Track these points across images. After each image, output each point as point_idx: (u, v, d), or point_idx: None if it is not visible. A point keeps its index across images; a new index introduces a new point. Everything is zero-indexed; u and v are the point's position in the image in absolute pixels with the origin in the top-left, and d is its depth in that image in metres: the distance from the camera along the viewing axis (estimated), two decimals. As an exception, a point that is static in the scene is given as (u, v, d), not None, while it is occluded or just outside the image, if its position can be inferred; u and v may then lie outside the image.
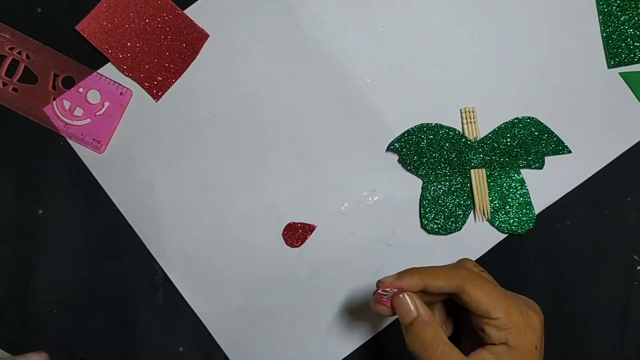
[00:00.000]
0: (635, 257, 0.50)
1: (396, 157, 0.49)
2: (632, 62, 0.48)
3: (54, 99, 0.49)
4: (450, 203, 0.49)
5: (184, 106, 0.49)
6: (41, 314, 0.49)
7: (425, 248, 0.49)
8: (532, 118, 0.48)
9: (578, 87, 0.49)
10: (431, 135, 0.48)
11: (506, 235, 0.49)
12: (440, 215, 0.49)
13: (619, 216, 0.49)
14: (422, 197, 0.49)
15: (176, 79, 0.49)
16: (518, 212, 0.49)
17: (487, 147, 0.48)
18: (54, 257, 0.49)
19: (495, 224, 0.49)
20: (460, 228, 0.49)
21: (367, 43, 0.49)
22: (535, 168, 0.49)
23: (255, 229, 0.50)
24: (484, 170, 0.48)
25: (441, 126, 0.48)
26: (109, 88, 0.49)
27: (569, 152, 0.49)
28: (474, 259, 0.49)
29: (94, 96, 0.49)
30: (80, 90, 0.49)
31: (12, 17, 0.48)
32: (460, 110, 0.49)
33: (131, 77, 0.49)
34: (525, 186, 0.48)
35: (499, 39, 0.49)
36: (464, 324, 0.43)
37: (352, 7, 0.49)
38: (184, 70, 0.49)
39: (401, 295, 0.39)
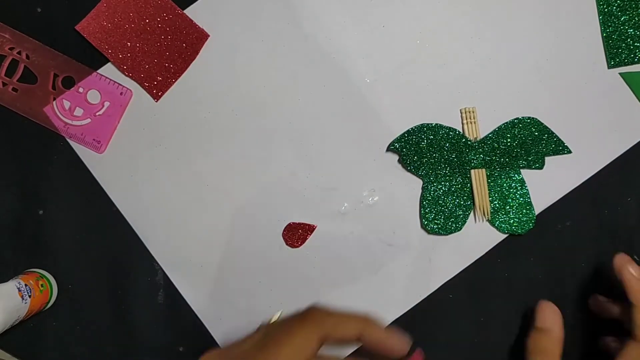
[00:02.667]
0: (636, 257, 0.49)
1: (396, 157, 0.49)
2: (633, 63, 0.48)
3: (54, 99, 0.49)
4: (450, 203, 0.49)
5: (184, 106, 0.49)
6: (41, 314, 0.49)
7: (426, 248, 0.49)
8: (532, 118, 0.48)
9: (578, 87, 0.49)
10: (431, 135, 0.48)
11: (506, 235, 0.49)
12: (440, 216, 0.49)
13: (619, 216, 0.49)
14: (422, 197, 0.49)
15: (176, 79, 0.49)
16: (518, 212, 0.49)
17: (487, 147, 0.48)
18: (54, 257, 0.49)
19: (495, 224, 0.49)
20: (461, 228, 0.49)
21: (367, 43, 0.49)
22: (535, 168, 0.49)
23: (255, 229, 0.50)
24: (484, 170, 0.48)
25: (441, 126, 0.48)
26: (109, 88, 0.49)
27: (569, 152, 0.48)
28: (474, 259, 0.49)
29: (94, 96, 0.49)
30: (80, 90, 0.49)
31: (12, 17, 0.48)
32: (461, 110, 0.49)
33: (131, 77, 0.49)
34: (525, 186, 0.48)
35: (499, 39, 0.49)
36: None
37: (353, 7, 0.49)
38: (184, 70, 0.49)
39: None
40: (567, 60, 0.49)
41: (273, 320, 0.38)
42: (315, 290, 0.50)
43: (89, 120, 0.49)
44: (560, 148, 0.48)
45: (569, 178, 0.49)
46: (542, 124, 0.48)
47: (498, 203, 0.49)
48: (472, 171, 0.48)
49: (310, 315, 0.35)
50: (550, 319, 0.44)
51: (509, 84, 0.49)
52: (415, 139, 0.48)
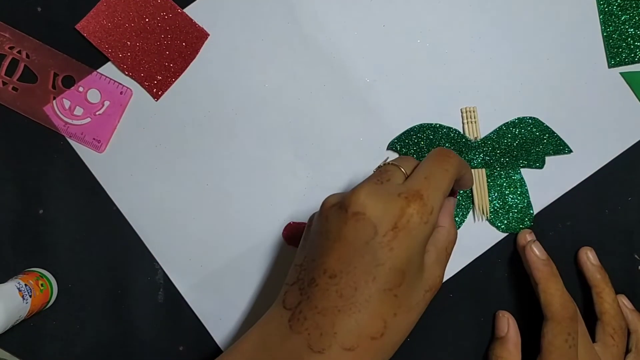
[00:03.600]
0: (636, 256, 0.50)
1: (396, 156, 0.49)
2: (633, 62, 0.48)
3: (54, 98, 0.49)
4: (450, 203, 0.49)
5: (184, 105, 0.49)
6: (41, 313, 0.49)
7: (426, 248, 0.49)
8: (533, 118, 0.48)
9: (578, 87, 0.49)
10: (431, 135, 0.48)
11: (506, 235, 0.49)
12: (440, 215, 0.49)
13: (619, 216, 0.49)
14: (422, 197, 0.49)
15: (176, 78, 0.49)
16: (517, 211, 0.49)
17: (487, 147, 0.48)
18: (54, 257, 0.49)
19: (495, 224, 0.49)
20: (459, 227, 0.49)
21: (367, 43, 0.49)
22: (535, 168, 0.49)
23: (255, 229, 0.49)
24: (483, 170, 0.48)
25: (441, 126, 0.48)
26: (109, 87, 0.49)
27: (570, 151, 0.49)
28: (473, 258, 0.49)
29: (94, 95, 0.49)
30: (80, 89, 0.49)
31: (12, 16, 0.48)
32: (461, 110, 0.49)
33: (131, 77, 0.49)
34: (525, 186, 0.48)
35: (499, 39, 0.49)
36: None
37: (352, 7, 0.49)
38: (184, 70, 0.49)
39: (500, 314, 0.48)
40: (567, 59, 0.49)
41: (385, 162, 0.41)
42: (315, 289, 0.50)
43: (89, 119, 0.49)
44: (561, 148, 0.48)
45: (569, 177, 0.49)
46: (544, 123, 0.48)
47: (497, 202, 0.49)
48: (472, 171, 0.48)
49: (454, 156, 0.39)
50: (505, 327, 0.47)
51: (509, 83, 0.49)
52: (415, 138, 0.48)
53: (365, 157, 0.49)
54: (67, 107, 0.49)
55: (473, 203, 0.49)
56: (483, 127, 0.48)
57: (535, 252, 0.46)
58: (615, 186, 0.49)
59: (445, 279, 0.49)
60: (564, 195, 0.49)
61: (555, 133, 0.48)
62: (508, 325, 0.47)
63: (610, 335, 0.45)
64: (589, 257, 0.48)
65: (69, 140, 0.49)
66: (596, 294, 0.47)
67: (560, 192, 0.49)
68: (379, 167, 0.40)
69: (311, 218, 0.40)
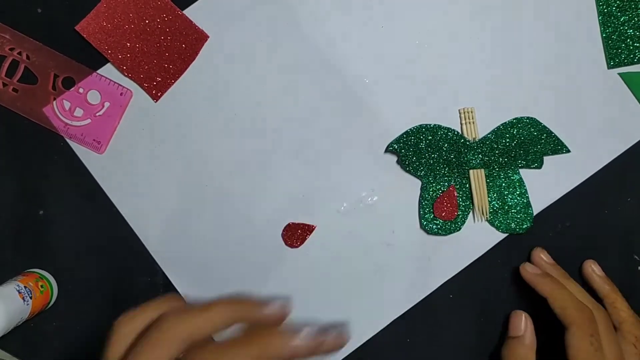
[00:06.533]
0: (636, 257, 0.50)
1: (395, 157, 0.49)
2: (632, 63, 0.48)
3: (54, 99, 0.49)
4: (449, 203, 0.49)
5: (183, 106, 0.49)
6: (41, 314, 0.49)
7: (425, 248, 0.49)
8: (531, 118, 0.48)
9: (578, 87, 0.49)
10: (430, 136, 0.48)
11: (506, 235, 0.49)
12: (439, 216, 0.49)
13: (619, 216, 0.49)
14: (422, 198, 0.49)
15: (175, 80, 0.49)
16: (517, 212, 0.49)
17: (486, 147, 0.48)
18: (54, 257, 0.49)
19: (495, 224, 0.49)
20: (460, 228, 0.49)
21: (366, 43, 0.49)
22: (534, 168, 0.49)
23: (255, 229, 0.50)
24: (482, 170, 0.48)
25: (440, 127, 0.48)
26: (109, 88, 0.49)
27: (568, 151, 0.48)
28: (473, 259, 0.49)
29: (94, 97, 0.49)
30: (80, 90, 0.49)
31: (12, 18, 0.48)
32: (459, 110, 0.49)
33: (131, 78, 0.49)
34: (524, 186, 0.48)
35: (499, 40, 0.49)
36: None
37: (352, 7, 0.49)
38: (184, 71, 0.49)
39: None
40: (566, 60, 0.49)
41: None
42: (314, 290, 0.50)
43: (89, 120, 0.49)
44: (559, 148, 0.48)
45: (568, 178, 0.49)
46: (541, 124, 0.48)
47: (497, 203, 0.49)
48: (471, 171, 0.48)
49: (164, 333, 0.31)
50: (521, 327, 0.46)
51: (508, 84, 0.49)
52: (413, 139, 0.48)
53: (365, 158, 0.49)
54: (67, 108, 0.49)
55: (473, 204, 0.49)
56: (482, 128, 0.49)
57: (530, 271, 0.46)
58: (615, 187, 0.49)
59: (445, 280, 0.49)
60: (563, 196, 0.49)
61: (553, 133, 0.48)
62: (526, 325, 0.46)
63: (633, 343, 0.44)
64: (594, 270, 0.48)
65: (68, 141, 0.49)
66: (609, 304, 0.46)
67: (560, 193, 0.49)
68: None
69: None
